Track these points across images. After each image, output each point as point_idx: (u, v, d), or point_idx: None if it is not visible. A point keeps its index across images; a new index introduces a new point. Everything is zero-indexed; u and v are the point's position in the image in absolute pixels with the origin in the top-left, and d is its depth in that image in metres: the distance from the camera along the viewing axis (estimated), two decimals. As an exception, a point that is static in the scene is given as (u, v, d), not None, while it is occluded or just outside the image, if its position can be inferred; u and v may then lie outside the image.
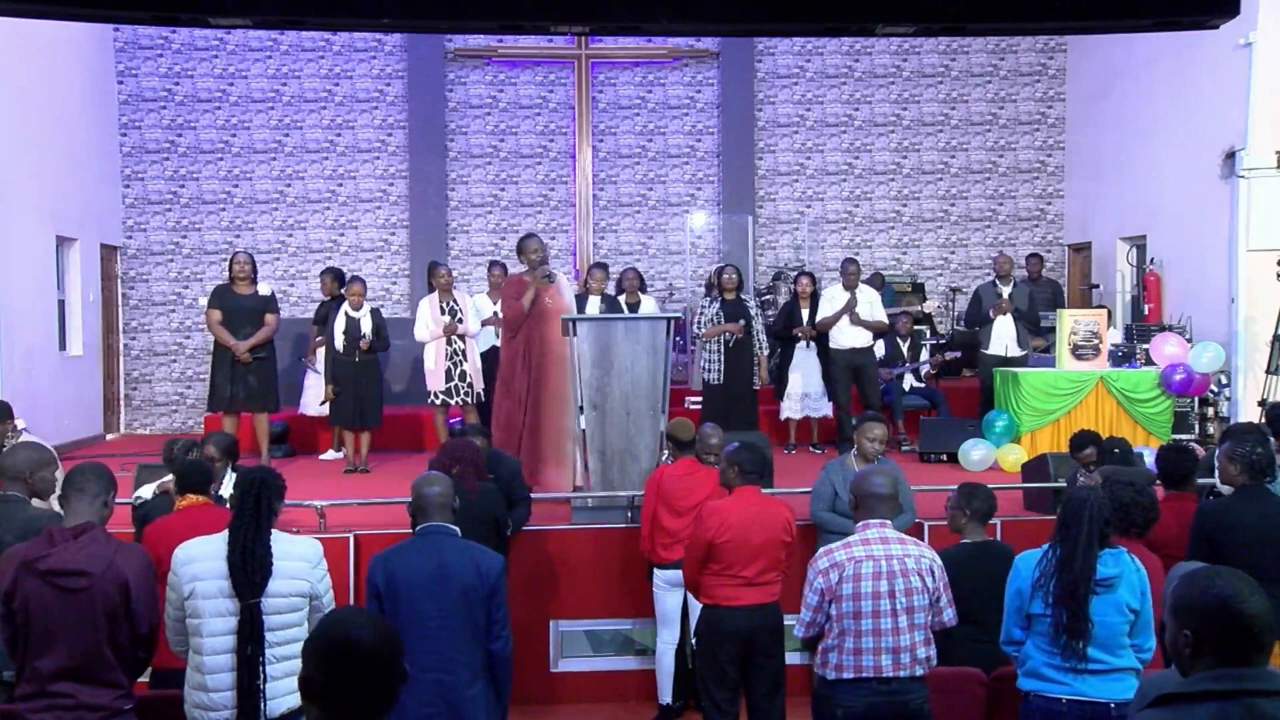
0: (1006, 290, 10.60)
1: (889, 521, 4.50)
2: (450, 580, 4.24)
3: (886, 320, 10.56)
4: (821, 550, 4.51)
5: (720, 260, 13.08)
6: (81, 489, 4.06)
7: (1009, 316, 10.50)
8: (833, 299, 10.28)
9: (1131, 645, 4.21)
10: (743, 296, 10.10)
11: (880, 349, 10.59)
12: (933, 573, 4.41)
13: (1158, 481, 5.83)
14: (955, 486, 5.55)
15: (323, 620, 2.52)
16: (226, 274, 9.67)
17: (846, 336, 10.15)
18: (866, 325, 10.15)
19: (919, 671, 4.38)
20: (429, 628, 4.22)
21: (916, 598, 4.35)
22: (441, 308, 9.69)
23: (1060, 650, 4.16)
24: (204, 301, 13.55)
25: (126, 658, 3.95)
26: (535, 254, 8.24)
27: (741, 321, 9.82)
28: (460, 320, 9.67)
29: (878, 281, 12.03)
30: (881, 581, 4.32)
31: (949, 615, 4.49)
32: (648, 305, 10.62)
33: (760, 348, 10.09)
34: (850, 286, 10.25)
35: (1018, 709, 4.41)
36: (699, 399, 10.33)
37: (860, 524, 4.51)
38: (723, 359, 9.79)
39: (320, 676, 2.38)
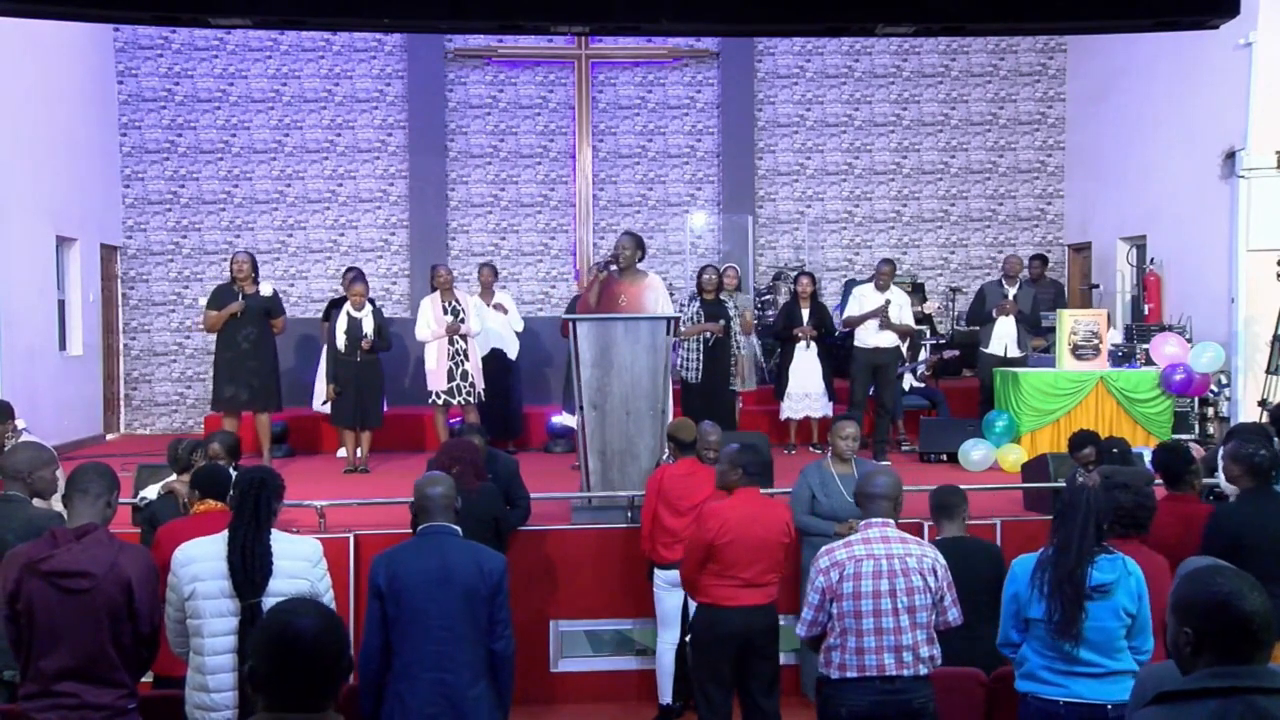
0: (1012, 291, 10.56)
1: (891, 521, 4.50)
2: (453, 580, 4.23)
3: (914, 324, 10.51)
4: (823, 549, 4.52)
5: (720, 260, 13.07)
6: (84, 489, 4.06)
7: (1011, 317, 10.47)
8: (862, 298, 10.18)
9: (1130, 647, 4.21)
10: (722, 297, 10.04)
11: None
12: (935, 572, 4.40)
13: (1158, 480, 5.83)
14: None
15: (269, 611, 2.53)
16: (228, 275, 9.66)
17: (872, 337, 10.03)
18: (895, 328, 10.06)
19: (923, 670, 4.38)
20: (432, 628, 4.21)
21: (918, 596, 4.35)
22: (444, 307, 9.70)
23: (1057, 650, 4.15)
24: (204, 301, 13.59)
25: (130, 658, 3.96)
26: (617, 249, 8.13)
27: (721, 321, 9.77)
28: (463, 320, 9.67)
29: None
30: (882, 580, 4.33)
31: (953, 615, 4.49)
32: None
33: (738, 348, 10.05)
34: (883, 288, 10.14)
35: (1016, 709, 4.42)
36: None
37: (863, 523, 4.52)
38: (701, 359, 9.74)
39: (265, 667, 2.40)
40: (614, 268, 8.24)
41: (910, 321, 10.35)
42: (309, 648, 2.39)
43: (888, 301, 10.04)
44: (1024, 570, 4.28)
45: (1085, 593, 4.10)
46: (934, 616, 4.43)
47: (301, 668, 2.39)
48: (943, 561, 4.47)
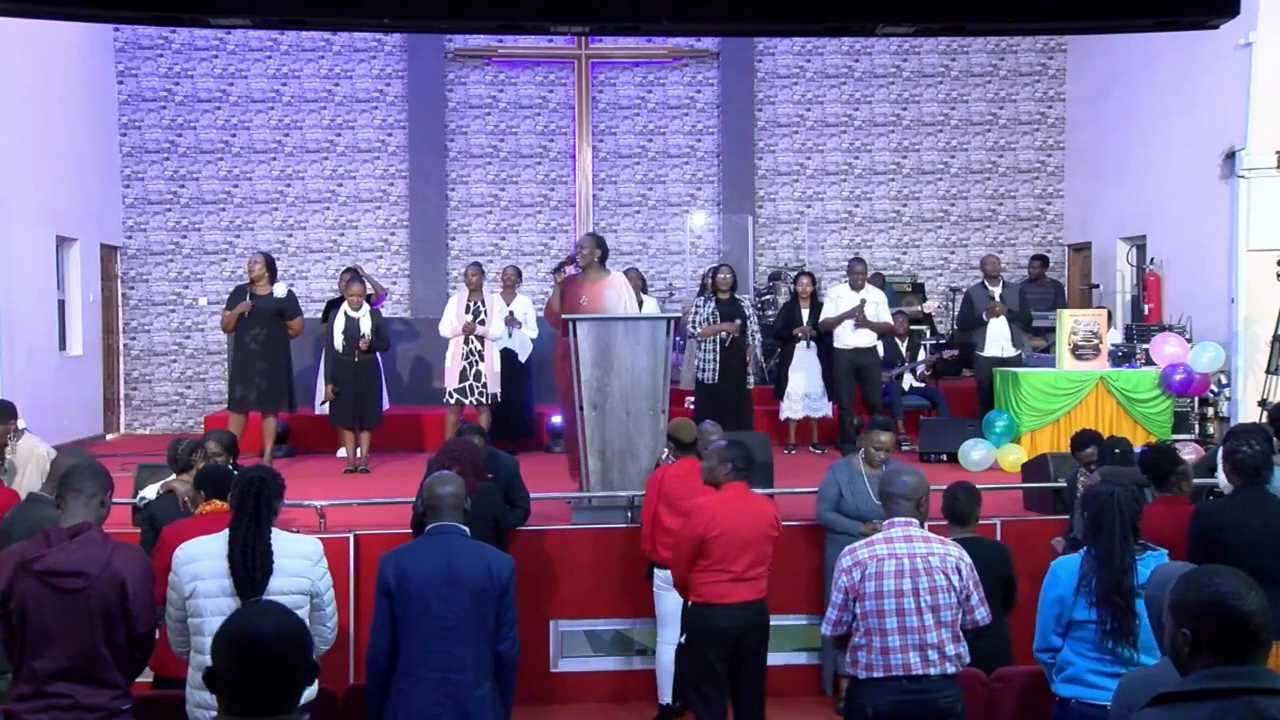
0: (997, 291, 10.53)
1: (914, 520, 4.48)
2: (461, 581, 4.22)
3: (892, 321, 10.51)
4: (846, 549, 4.51)
5: (720, 260, 13.07)
6: (78, 489, 4.05)
7: (1001, 318, 10.43)
8: (838, 299, 10.20)
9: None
10: (737, 296, 10.04)
11: (880, 349, 10.56)
12: (959, 571, 4.38)
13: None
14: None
15: (229, 616, 2.54)
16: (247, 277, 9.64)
17: (851, 337, 10.06)
18: (872, 327, 10.08)
19: (950, 669, 4.35)
20: (439, 627, 4.21)
21: (942, 595, 4.33)
22: (467, 306, 9.72)
23: (1109, 653, 4.14)
24: (204, 301, 13.64)
25: (124, 658, 3.94)
26: (576, 249, 8.15)
27: (737, 321, 9.78)
28: (482, 321, 9.68)
29: (878, 281, 12.00)
30: (904, 579, 4.31)
31: (981, 614, 4.46)
32: (649, 306, 10.58)
33: (754, 345, 10.04)
34: (857, 287, 10.17)
35: (1019, 709, 4.41)
36: (695, 398, 10.30)
37: (885, 523, 4.52)
38: (718, 359, 9.75)
39: (227, 669, 2.40)
40: (570, 269, 8.25)
41: (888, 318, 10.36)
42: (269, 651, 2.39)
43: (863, 300, 10.05)
44: (1068, 574, 4.25)
45: (1136, 592, 4.09)
46: (960, 616, 4.40)
47: (261, 671, 2.38)
48: (968, 560, 4.44)
